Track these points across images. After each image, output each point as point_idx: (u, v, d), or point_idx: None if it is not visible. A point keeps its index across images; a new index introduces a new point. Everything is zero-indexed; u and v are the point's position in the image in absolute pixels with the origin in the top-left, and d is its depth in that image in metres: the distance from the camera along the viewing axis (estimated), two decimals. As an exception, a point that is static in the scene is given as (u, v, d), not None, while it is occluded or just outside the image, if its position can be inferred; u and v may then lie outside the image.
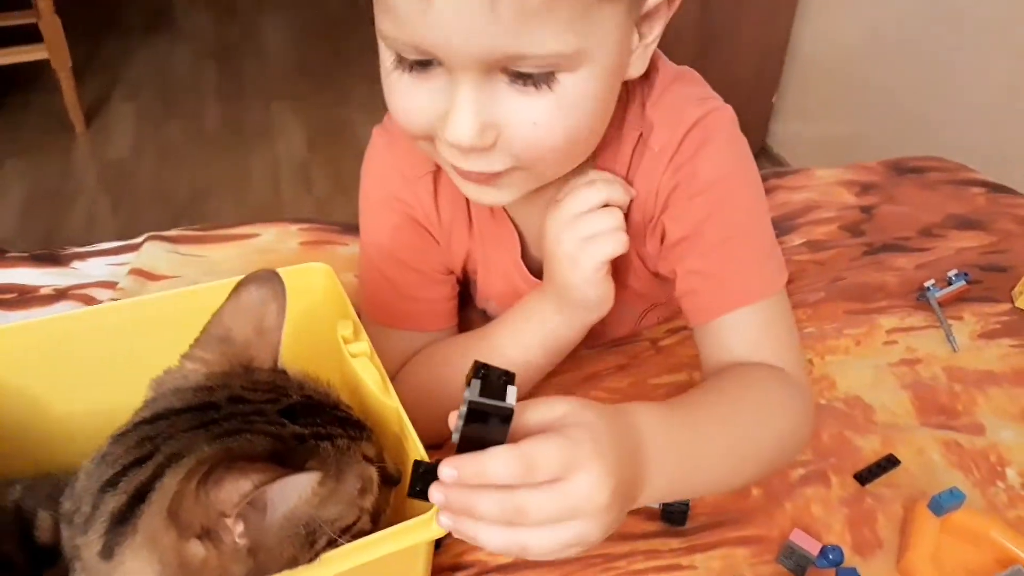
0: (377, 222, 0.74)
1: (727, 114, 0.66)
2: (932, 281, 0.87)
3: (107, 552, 0.42)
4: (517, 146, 0.55)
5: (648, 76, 0.65)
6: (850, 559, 0.62)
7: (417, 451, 0.50)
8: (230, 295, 0.51)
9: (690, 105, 0.65)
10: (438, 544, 0.62)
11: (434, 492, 0.44)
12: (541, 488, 0.44)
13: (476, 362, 0.44)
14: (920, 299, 0.87)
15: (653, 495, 0.52)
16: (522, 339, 0.70)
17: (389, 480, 0.52)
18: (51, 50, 2.39)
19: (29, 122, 2.63)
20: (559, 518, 0.44)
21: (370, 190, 0.74)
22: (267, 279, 0.51)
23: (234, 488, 0.39)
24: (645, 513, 0.65)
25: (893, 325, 0.84)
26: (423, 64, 0.54)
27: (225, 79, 2.96)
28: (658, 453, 0.51)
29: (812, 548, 0.61)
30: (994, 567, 0.61)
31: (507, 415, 0.43)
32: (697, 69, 0.67)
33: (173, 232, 0.93)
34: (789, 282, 0.89)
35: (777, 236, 0.96)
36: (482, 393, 0.43)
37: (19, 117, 2.65)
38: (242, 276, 0.52)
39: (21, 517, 0.48)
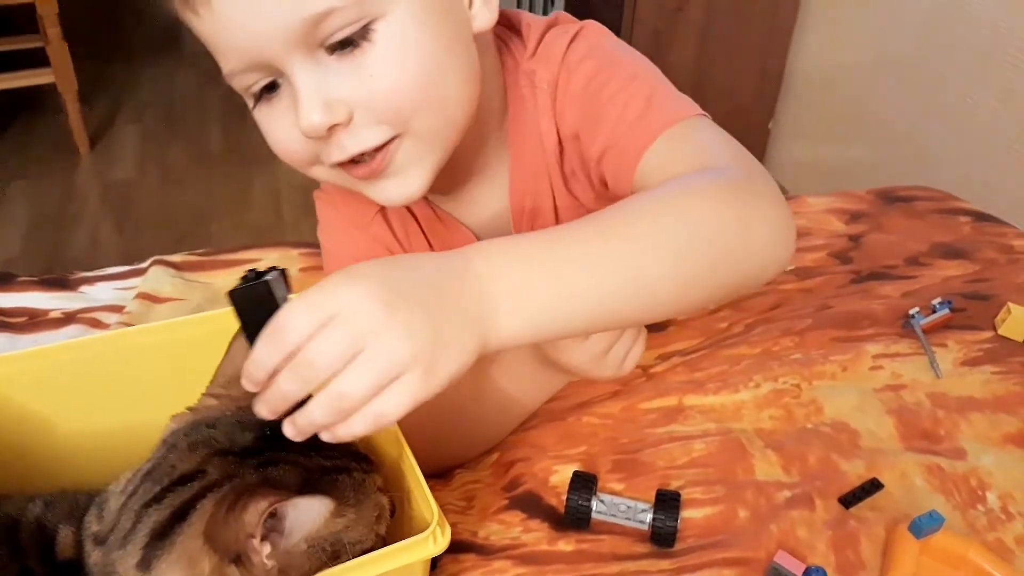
0: None
1: (591, 26, 0.70)
2: (917, 309, 0.90)
3: (144, 565, 0.45)
4: (373, 107, 0.57)
5: (521, 36, 0.69)
6: (833, 580, 0.64)
7: (414, 473, 0.52)
8: (236, 338, 0.54)
9: (557, 40, 0.68)
10: (434, 564, 0.64)
11: (259, 409, 0.44)
12: (313, 337, 0.41)
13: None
14: (905, 326, 0.90)
15: (521, 324, 0.46)
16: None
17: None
18: (58, 74, 2.43)
19: (34, 144, 2.67)
20: (345, 349, 0.41)
21: (332, 251, 0.76)
22: None
23: (255, 510, 0.42)
24: (635, 535, 0.67)
25: (879, 351, 0.86)
26: (269, 89, 0.57)
27: (229, 103, 3.00)
28: (505, 276, 0.46)
29: (796, 569, 0.63)
30: (972, 588, 0.62)
31: (265, 291, 0.44)
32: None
33: (177, 258, 0.95)
34: (775, 307, 0.93)
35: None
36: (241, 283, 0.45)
37: (24, 139, 2.69)
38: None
39: (42, 532, 0.50)
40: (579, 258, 0.48)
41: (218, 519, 0.42)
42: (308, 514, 0.44)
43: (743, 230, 0.52)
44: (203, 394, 0.53)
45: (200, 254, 0.97)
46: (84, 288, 0.92)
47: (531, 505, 0.69)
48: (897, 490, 0.72)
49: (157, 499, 0.46)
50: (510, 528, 0.67)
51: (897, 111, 1.94)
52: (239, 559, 0.43)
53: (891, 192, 1.18)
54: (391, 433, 0.55)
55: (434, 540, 0.49)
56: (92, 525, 0.49)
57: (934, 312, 0.90)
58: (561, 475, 0.70)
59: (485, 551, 0.65)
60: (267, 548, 0.43)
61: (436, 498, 0.50)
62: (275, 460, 0.47)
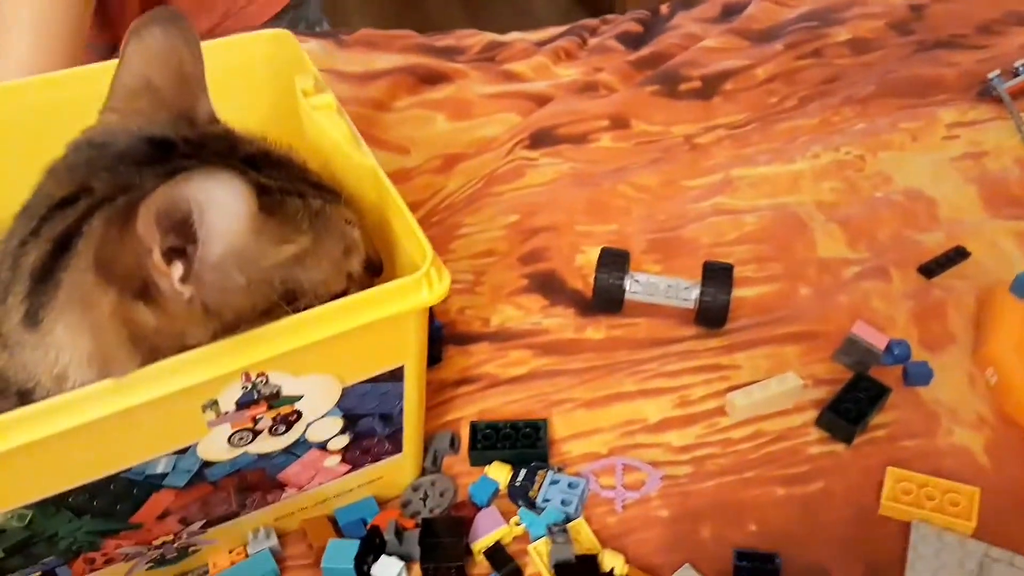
0: None
1: None
2: (998, 72, 0.76)
3: (31, 318, 0.34)
4: None
5: None
6: (917, 355, 0.54)
7: (399, 210, 0.41)
8: (129, 39, 0.41)
9: None
10: (438, 358, 0.54)
11: None
12: None
13: None
14: (981, 95, 0.76)
15: None
16: None
17: (372, 268, 0.44)
18: None
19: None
20: None
21: None
22: (169, 18, 0.41)
23: (146, 213, 0.30)
24: (677, 317, 0.56)
25: (953, 119, 0.73)
26: None
27: None
28: None
29: (879, 342, 0.53)
30: (1093, 351, 0.51)
31: None
32: None
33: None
34: (831, 80, 0.79)
35: (820, 27, 0.85)
36: None
37: None
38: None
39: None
40: None
41: (109, 240, 0.31)
42: (220, 205, 0.32)
43: None
44: (101, 112, 0.41)
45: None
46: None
47: (553, 288, 0.58)
48: (986, 258, 0.60)
49: (34, 233, 0.35)
50: (529, 314, 0.57)
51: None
52: (146, 292, 0.32)
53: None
54: (367, 169, 0.43)
55: (428, 285, 0.38)
56: None
57: (1016, 75, 0.76)
58: (588, 256, 0.60)
59: (499, 338, 0.55)
60: (178, 269, 0.32)
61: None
62: (187, 168, 0.34)
